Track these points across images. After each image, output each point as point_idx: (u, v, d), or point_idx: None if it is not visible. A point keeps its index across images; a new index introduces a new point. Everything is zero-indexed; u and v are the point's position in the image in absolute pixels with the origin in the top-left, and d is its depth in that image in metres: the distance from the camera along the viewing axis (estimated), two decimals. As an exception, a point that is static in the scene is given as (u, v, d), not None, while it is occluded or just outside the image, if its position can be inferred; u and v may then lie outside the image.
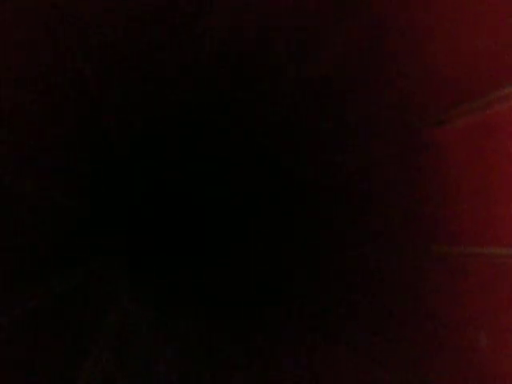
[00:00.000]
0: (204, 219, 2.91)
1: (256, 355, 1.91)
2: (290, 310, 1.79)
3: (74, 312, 1.59)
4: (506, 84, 0.67)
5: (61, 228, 1.46)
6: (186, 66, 1.47)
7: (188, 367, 2.44)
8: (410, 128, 0.88)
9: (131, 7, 0.97)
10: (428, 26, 0.77)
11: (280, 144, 1.67)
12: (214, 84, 1.62)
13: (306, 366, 1.42)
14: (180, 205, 2.90)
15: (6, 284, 0.95)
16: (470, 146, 0.75)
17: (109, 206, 2.47)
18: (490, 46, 0.68)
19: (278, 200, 2.01)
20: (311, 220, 1.59)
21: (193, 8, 1.06)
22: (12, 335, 0.92)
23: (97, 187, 2.09)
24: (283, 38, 1.15)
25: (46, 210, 1.29)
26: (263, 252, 2.42)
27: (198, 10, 1.07)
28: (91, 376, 1.71)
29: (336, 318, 1.32)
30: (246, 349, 2.08)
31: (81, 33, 0.94)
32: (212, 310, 2.60)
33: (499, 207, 0.70)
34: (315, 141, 1.35)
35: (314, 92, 1.22)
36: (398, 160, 0.93)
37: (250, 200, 2.51)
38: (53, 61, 0.94)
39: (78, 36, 0.94)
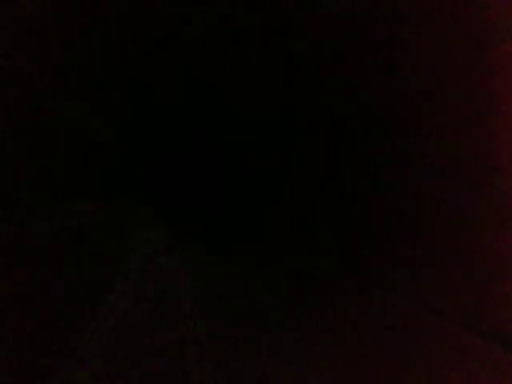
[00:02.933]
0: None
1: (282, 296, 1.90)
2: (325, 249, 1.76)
3: (101, 243, 1.63)
4: None
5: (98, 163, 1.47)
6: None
7: (211, 303, 2.48)
8: (481, 43, 0.81)
9: None
10: None
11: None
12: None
13: (334, 302, 1.42)
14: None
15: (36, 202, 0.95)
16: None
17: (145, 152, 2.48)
18: None
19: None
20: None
21: None
22: (39, 256, 0.93)
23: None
24: None
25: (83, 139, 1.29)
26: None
27: None
28: (112, 308, 1.75)
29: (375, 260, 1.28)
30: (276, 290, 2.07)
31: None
32: (236, 247, 2.61)
33: None
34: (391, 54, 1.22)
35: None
36: (469, 79, 0.87)
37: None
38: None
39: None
